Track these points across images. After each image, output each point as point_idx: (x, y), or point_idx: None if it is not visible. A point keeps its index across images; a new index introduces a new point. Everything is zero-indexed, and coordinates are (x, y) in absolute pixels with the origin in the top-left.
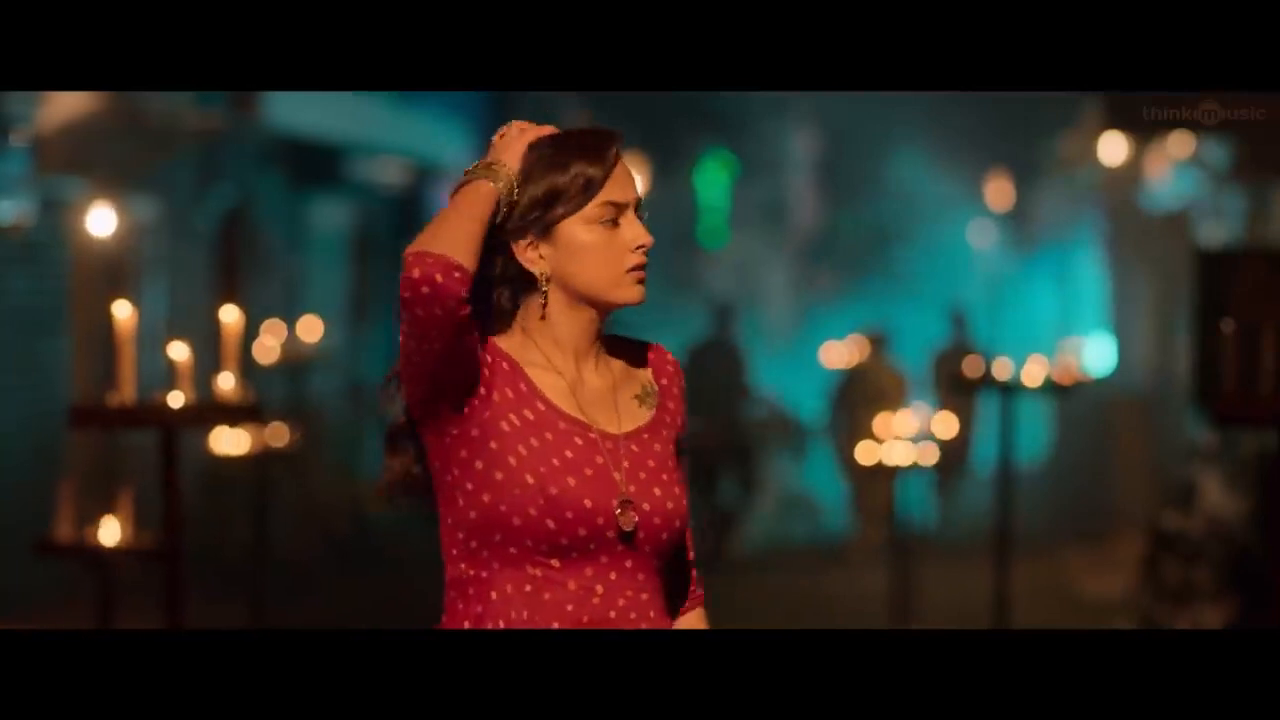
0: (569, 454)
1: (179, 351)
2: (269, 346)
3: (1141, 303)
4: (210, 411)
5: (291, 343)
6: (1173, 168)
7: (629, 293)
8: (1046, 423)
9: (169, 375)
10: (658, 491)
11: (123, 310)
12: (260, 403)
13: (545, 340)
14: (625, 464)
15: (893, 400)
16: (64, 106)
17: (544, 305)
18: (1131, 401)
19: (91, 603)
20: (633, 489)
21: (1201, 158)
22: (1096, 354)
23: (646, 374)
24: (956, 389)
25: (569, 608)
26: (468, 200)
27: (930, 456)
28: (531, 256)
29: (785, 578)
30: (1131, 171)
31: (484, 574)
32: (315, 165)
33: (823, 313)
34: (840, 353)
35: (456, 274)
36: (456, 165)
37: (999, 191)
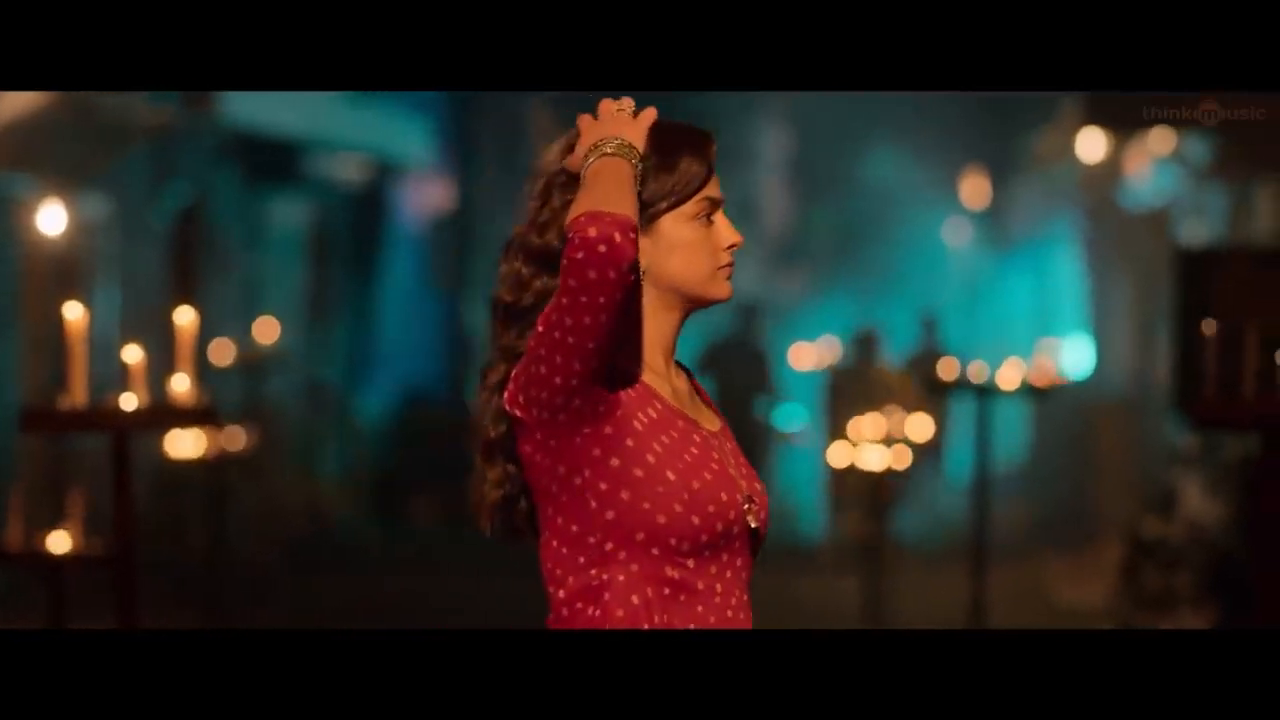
0: (695, 451)
1: (132, 353)
2: (225, 347)
3: (1121, 303)
4: (164, 414)
5: (248, 344)
6: (1153, 164)
7: (721, 289)
8: (1023, 427)
9: (122, 377)
10: (760, 488)
11: (74, 311)
12: (216, 405)
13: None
14: (731, 460)
15: (902, 399)
16: (13, 102)
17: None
18: (1110, 405)
19: (42, 611)
20: (743, 485)
21: (1182, 154)
22: (1074, 356)
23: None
24: (931, 391)
25: (699, 608)
26: (616, 176)
27: (904, 460)
28: None
29: (755, 581)
30: (1110, 168)
31: (620, 577)
32: (272, 162)
33: (792, 313)
34: (810, 354)
35: (631, 234)
36: (418, 162)
37: (974, 188)
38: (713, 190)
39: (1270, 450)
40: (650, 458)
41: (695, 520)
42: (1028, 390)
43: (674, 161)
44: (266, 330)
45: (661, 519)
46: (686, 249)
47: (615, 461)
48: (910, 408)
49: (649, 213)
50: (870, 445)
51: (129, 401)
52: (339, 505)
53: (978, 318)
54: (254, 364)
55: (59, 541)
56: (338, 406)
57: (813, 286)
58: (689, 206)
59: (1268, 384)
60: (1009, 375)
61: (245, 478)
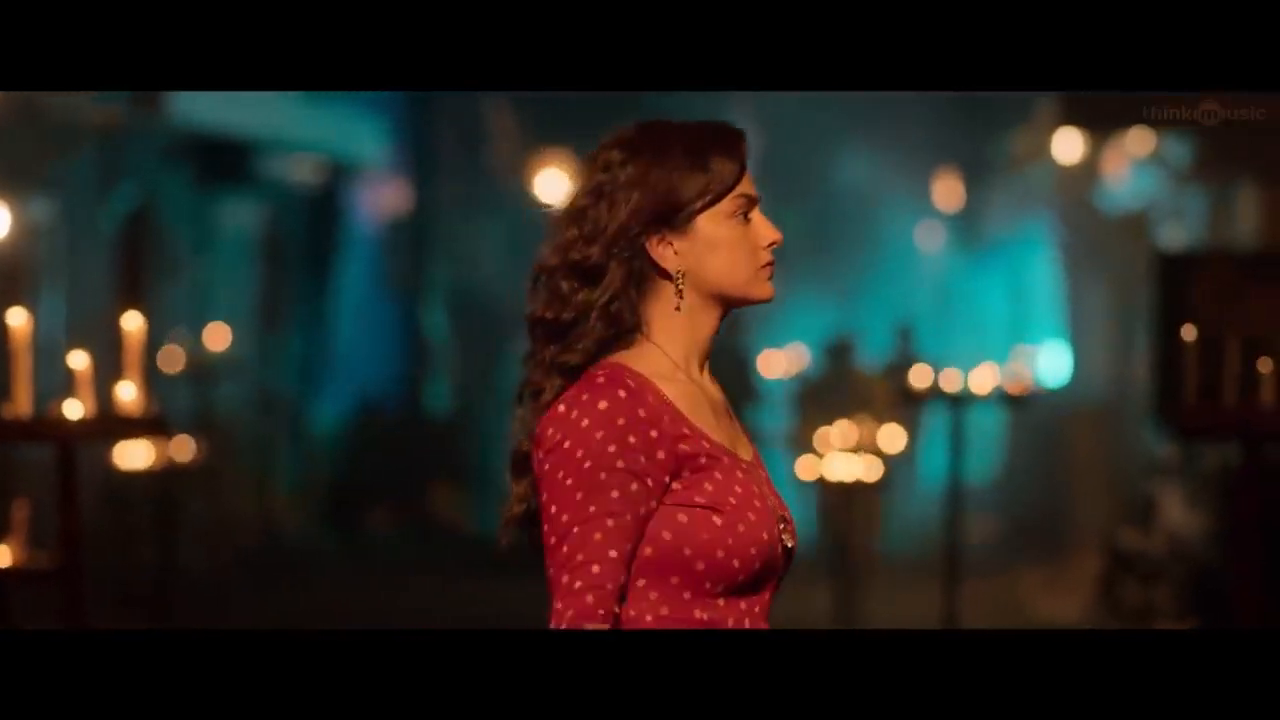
0: (739, 490)
1: (78, 360)
2: (175, 354)
3: (1098, 309)
4: (111, 424)
5: (198, 350)
6: (1131, 166)
7: (763, 289)
8: (998, 435)
9: (67, 385)
10: (788, 516)
11: (17, 317)
12: (165, 414)
13: (675, 347)
14: (766, 489)
15: (874, 407)
16: None
17: (677, 307)
18: (1088, 413)
19: None
20: (781, 516)
21: (1162, 156)
22: (1050, 363)
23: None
24: (903, 400)
25: None
26: None
27: (875, 470)
28: (665, 253)
29: None
30: (1087, 170)
31: (648, 617)
32: (223, 163)
33: (760, 319)
34: (780, 361)
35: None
36: (374, 162)
37: (947, 190)
38: (747, 187)
39: (1251, 459)
40: (699, 498)
41: (736, 564)
42: (1002, 398)
43: (705, 160)
44: (217, 336)
45: (700, 565)
46: (726, 248)
47: (659, 504)
48: (882, 416)
49: (685, 213)
50: (840, 455)
51: (74, 410)
52: (292, 516)
53: (951, 323)
54: (204, 371)
55: (1, 555)
56: (291, 415)
57: (781, 291)
58: (725, 204)
59: (1249, 391)
60: (983, 382)
61: (195, 489)
